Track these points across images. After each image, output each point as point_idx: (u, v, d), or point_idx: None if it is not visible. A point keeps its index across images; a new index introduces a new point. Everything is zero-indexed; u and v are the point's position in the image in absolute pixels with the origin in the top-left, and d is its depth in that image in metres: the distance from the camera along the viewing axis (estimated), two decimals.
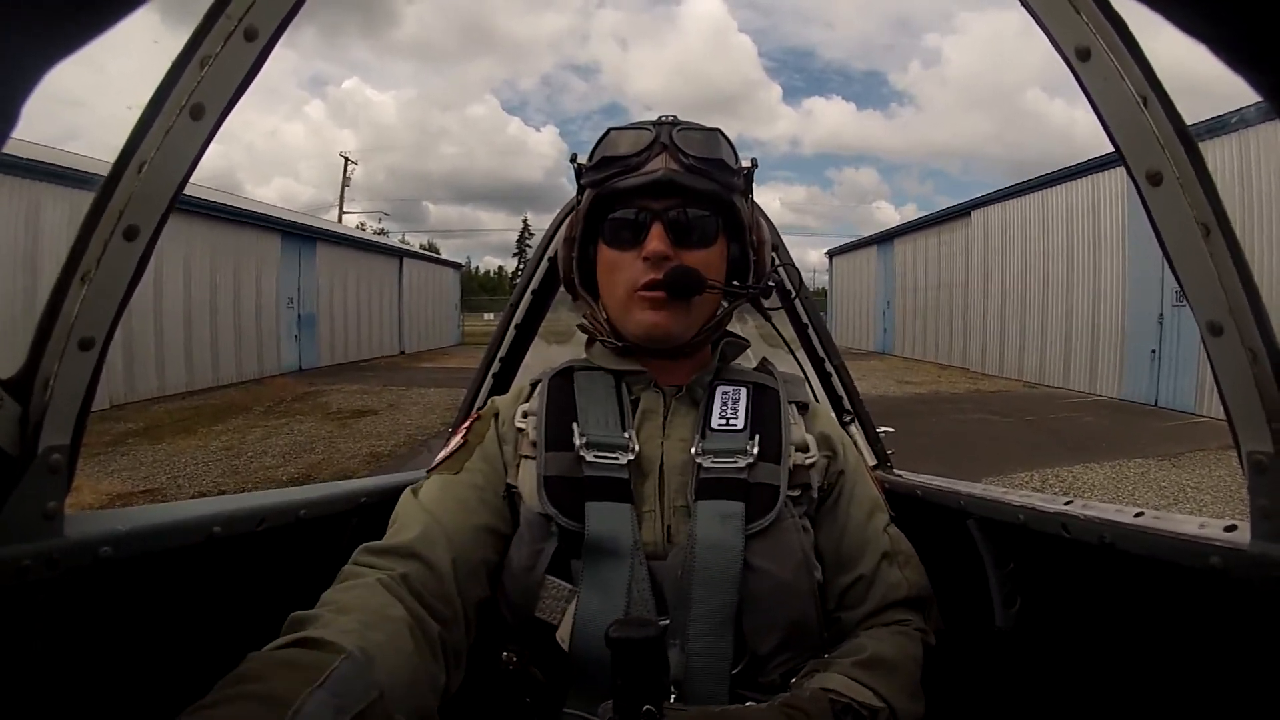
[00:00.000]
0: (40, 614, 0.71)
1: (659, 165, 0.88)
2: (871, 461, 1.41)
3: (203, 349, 12.36)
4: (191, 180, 0.71)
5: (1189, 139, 0.65)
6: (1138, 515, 0.78)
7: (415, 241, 44.50)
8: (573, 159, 0.97)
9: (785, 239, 1.41)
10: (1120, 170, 0.69)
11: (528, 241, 60.22)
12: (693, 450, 0.88)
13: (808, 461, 0.91)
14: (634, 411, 0.92)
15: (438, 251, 39.43)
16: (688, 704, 0.75)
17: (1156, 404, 10.36)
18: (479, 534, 0.84)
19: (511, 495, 0.89)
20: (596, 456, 0.85)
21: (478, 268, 70.48)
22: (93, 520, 0.77)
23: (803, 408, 1.00)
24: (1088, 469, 6.72)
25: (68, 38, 0.23)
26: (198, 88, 0.67)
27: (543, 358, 1.39)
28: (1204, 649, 0.76)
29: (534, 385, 0.99)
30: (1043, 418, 9.77)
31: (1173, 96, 0.65)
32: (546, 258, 1.42)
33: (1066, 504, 0.88)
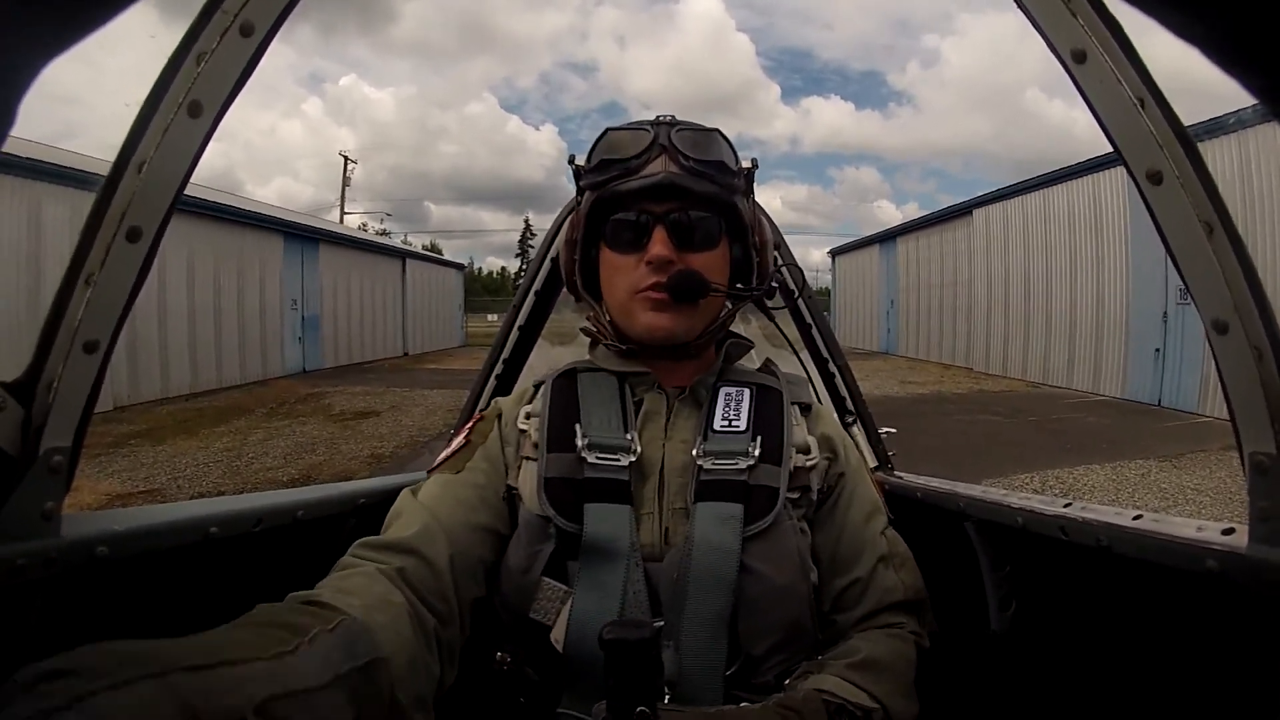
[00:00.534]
0: (36, 613, 0.71)
1: (659, 168, 0.87)
2: (873, 462, 1.41)
3: (206, 351, 12.39)
4: (193, 180, 0.71)
5: (1187, 139, 0.65)
6: (1136, 518, 0.78)
7: (418, 242, 44.74)
8: (571, 160, 0.96)
9: (787, 238, 1.41)
10: (1121, 169, 0.69)
11: (530, 242, 60.30)
12: (694, 452, 0.87)
13: (808, 463, 0.91)
14: (637, 412, 0.92)
15: (440, 252, 39.51)
16: (681, 705, 0.75)
17: (1160, 403, 10.33)
18: (477, 533, 0.84)
19: (511, 496, 0.89)
20: (599, 458, 0.85)
21: (480, 268, 70.58)
22: (90, 520, 0.77)
23: (805, 409, 0.99)
24: (1089, 470, 6.70)
25: (63, 33, 0.23)
26: (195, 84, 0.67)
27: (546, 359, 1.40)
28: (1201, 653, 0.76)
29: (537, 387, 0.99)
30: (1045, 418, 9.75)
31: (1171, 98, 0.65)
32: (549, 258, 1.42)
33: (1065, 507, 0.87)
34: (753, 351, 1.03)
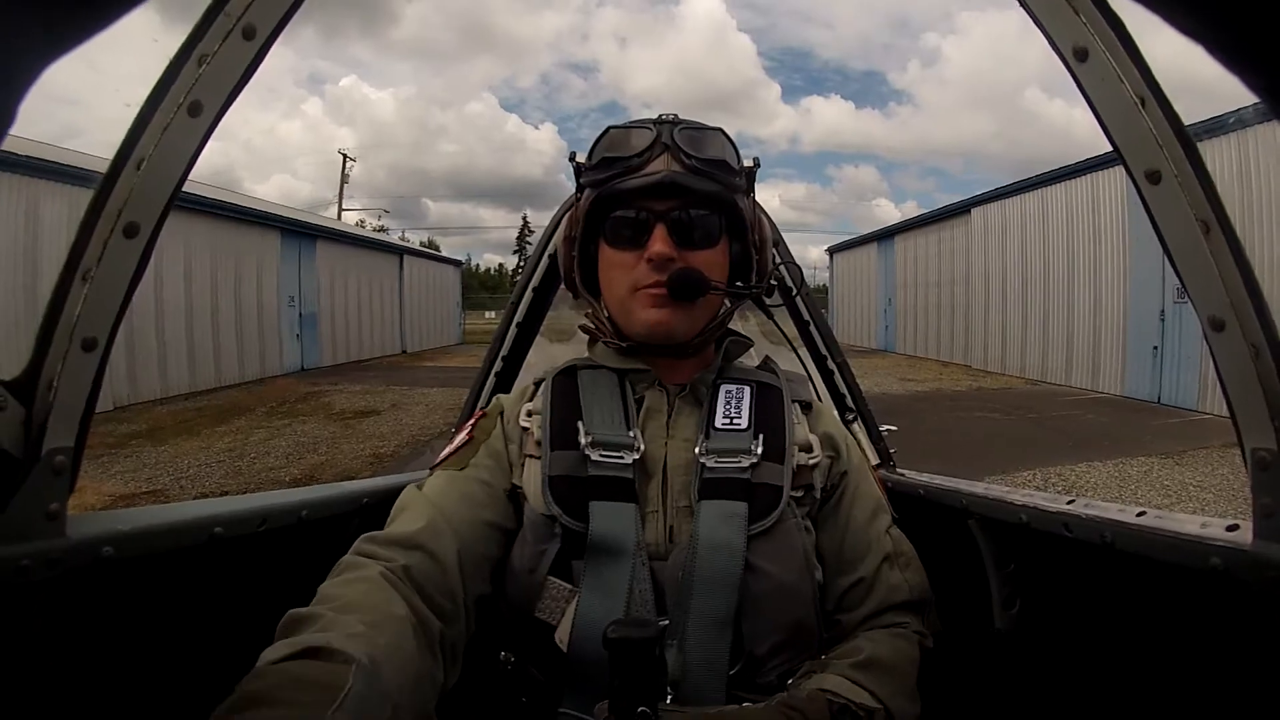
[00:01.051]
0: (42, 614, 0.71)
1: (661, 166, 0.87)
2: (874, 460, 1.41)
3: (205, 349, 12.36)
4: (191, 177, 0.71)
5: (1187, 138, 0.65)
6: (1140, 515, 0.78)
7: (415, 239, 44.54)
8: (571, 157, 0.96)
9: (785, 236, 1.41)
10: (1119, 169, 0.69)
11: (528, 239, 60.16)
12: (696, 450, 0.87)
13: (811, 462, 0.91)
14: (638, 409, 0.92)
15: (438, 249, 39.39)
16: (684, 705, 0.75)
17: (1159, 401, 10.33)
18: (484, 528, 0.84)
19: (516, 494, 0.89)
20: (602, 455, 0.85)
21: (478, 265, 70.42)
22: (95, 521, 0.77)
23: (806, 407, 1.00)
24: (1090, 467, 6.71)
25: (65, 35, 0.23)
26: (195, 85, 0.67)
27: (545, 356, 1.40)
28: (1205, 650, 0.76)
29: (538, 384, 0.99)
30: (1045, 415, 9.75)
31: (1171, 96, 0.65)
32: (547, 255, 1.42)
33: (1069, 503, 0.87)
34: (751, 349, 1.04)
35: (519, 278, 1.55)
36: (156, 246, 0.70)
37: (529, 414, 0.94)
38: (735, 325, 1.03)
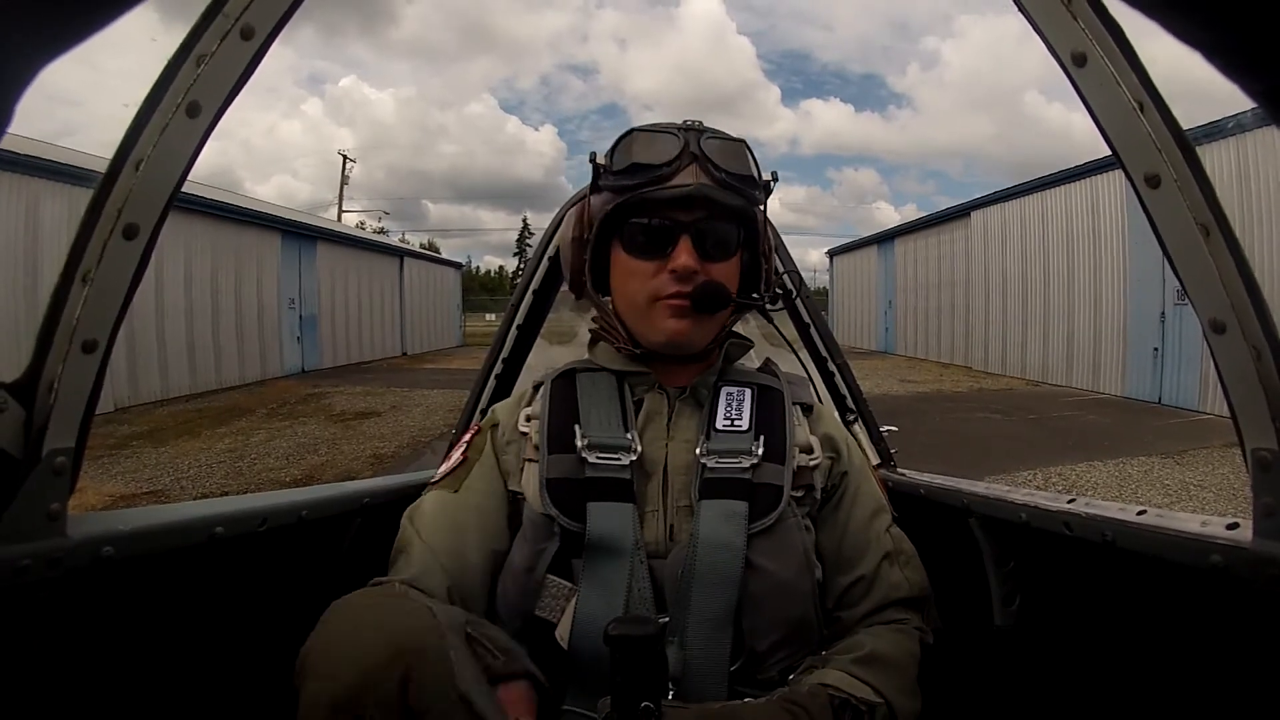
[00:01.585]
0: (43, 614, 0.71)
1: (691, 178, 0.86)
2: (875, 460, 1.41)
3: (205, 351, 12.35)
4: (190, 178, 0.72)
5: (1185, 143, 0.66)
6: (1140, 513, 0.78)
7: (415, 240, 44.58)
8: (592, 158, 0.93)
9: (786, 238, 1.41)
10: (1118, 173, 0.69)
11: (528, 241, 60.17)
12: (698, 450, 0.88)
13: (811, 463, 0.91)
14: (637, 412, 0.93)
15: (438, 251, 39.40)
16: (686, 701, 0.75)
17: (1160, 401, 10.33)
18: (476, 558, 0.87)
19: (515, 499, 0.90)
20: (599, 458, 0.86)
21: (478, 267, 70.34)
22: (95, 521, 0.77)
23: (807, 409, 1.00)
24: (1091, 467, 6.70)
25: (64, 34, 0.23)
26: (194, 86, 0.67)
27: (545, 358, 1.40)
28: (1205, 648, 0.76)
29: (537, 387, 0.99)
30: (1045, 416, 9.75)
31: (1170, 101, 0.66)
32: (547, 257, 1.42)
33: (1069, 502, 0.88)
34: (752, 351, 1.04)
35: (519, 280, 1.55)
36: (156, 248, 0.70)
37: (528, 419, 0.94)
38: (736, 327, 1.03)
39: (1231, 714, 0.74)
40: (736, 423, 0.91)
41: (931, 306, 18.65)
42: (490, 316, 35.49)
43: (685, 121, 0.91)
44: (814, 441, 0.94)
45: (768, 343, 1.25)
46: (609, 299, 0.96)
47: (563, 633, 0.80)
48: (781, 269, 1.11)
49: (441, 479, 0.95)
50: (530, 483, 0.88)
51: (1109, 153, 0.69)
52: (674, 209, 0.87)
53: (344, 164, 32.76)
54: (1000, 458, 7.11)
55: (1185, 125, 0.66)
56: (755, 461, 0.86)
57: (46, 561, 0.70)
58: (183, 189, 0.71)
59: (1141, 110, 0.66)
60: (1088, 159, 12.08)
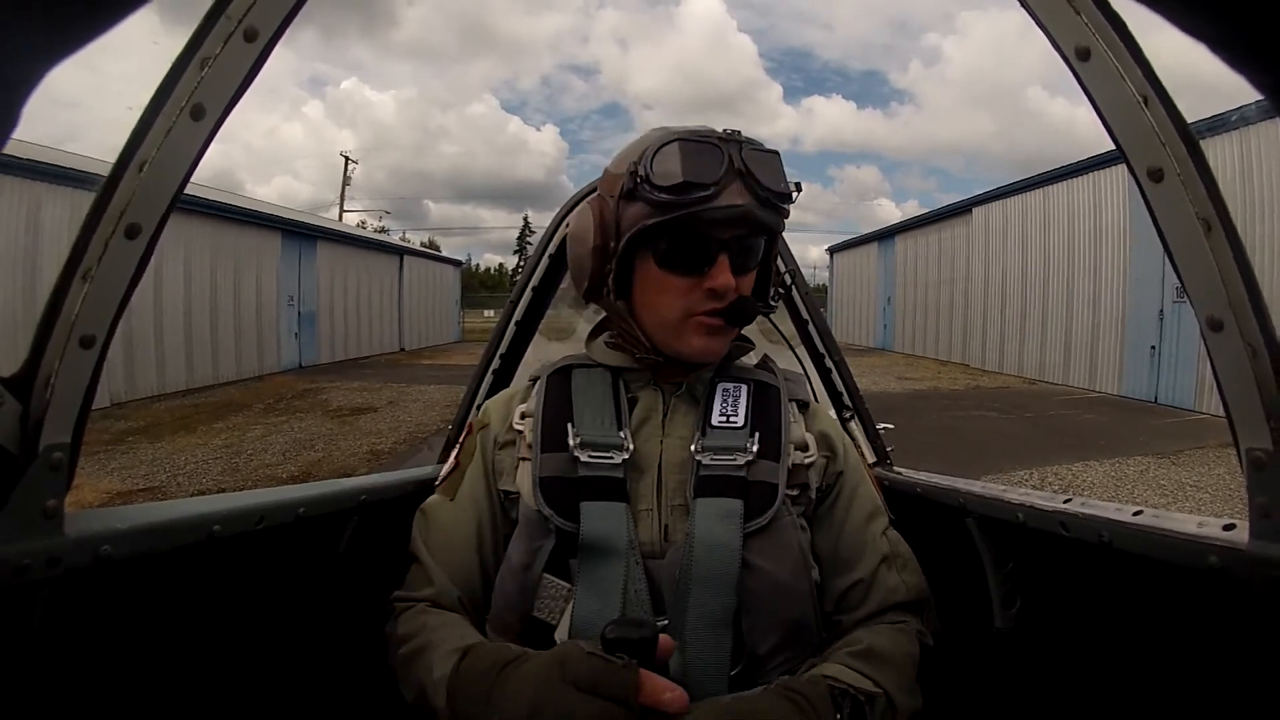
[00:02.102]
0: (40, 611, 0.71)
1: (738, 198, 0.83)
2: (871, 458, 1.41)
3: (203, 347, 12.34)
4: (192, 179, 0.71)
5: (1190, 136, 0.65)
6: (1136, 514, 0.78)
7: (416, 239, 44.56)
8: (632, 168, 0.85)
9: (787, 236, 1.40)
10: (1121, 168, 0.69)
11: (528, 239, 60.11)
12: (692, 447, 0.88)
13: (806, 461, 0.91)
14: (631, 410, 0.92)
15: (439, 249, 39.32)
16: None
17: (1156, 401, 10.36)
18: (477, 565, 0.91)
19: (509, 498, 0.91)
20: (591, 456, 0.85)
21: (478, 265, 70.29)
22: (93, 518, 0.77)
23: (803, 406, 1.00)
24: (1087, 467, 6.72)
25: (67, 39, 0.23)
26: (198, 88, 0.67)
27: (543, 354, 1.39)
28: (1202, 648, 0.76)
29: (533, 382, 0.99)
30: (1042, 414, 9.77)
31: (1174, 94, 0.65)
32: (548, 254, 1.41)
33: (1065, 502, 0.88)
34: (751, 351, 1.04)
35: (519, 277, 1.55)
36: (157, 247, 0.70)
37: (522, 416, 0.94)
38: None
39: (1230, 715, 0.74)
40: (732, 419, 0.90)
41: (930, 304, 18.68)
42: (489, 313, 35.45)
43: (724, 131, 0.87)
44: (809, 439, 0.93)
45: (765, 339, 1.25)
46: (623, 304, 0.92)
47: (561, 635, 0.79)
48: (784, 268, 1.11)
49: (442, 482, 0.98)
50: (524, 482, 0.88)
51: (1112, 147, 0.69)
52: (716, 228, 0.84)
53: (345, 165, 32.78)
54: (997, 456, 7.13)
55: (1189, 119, 0.66)
56: (750, 458, 0.86)
57: (44, 559, 0.69)
58: (186, 190, 0.71)
59: (1145, 104, 0.66)
60: (1090, 154, 12.09)
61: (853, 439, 1.22)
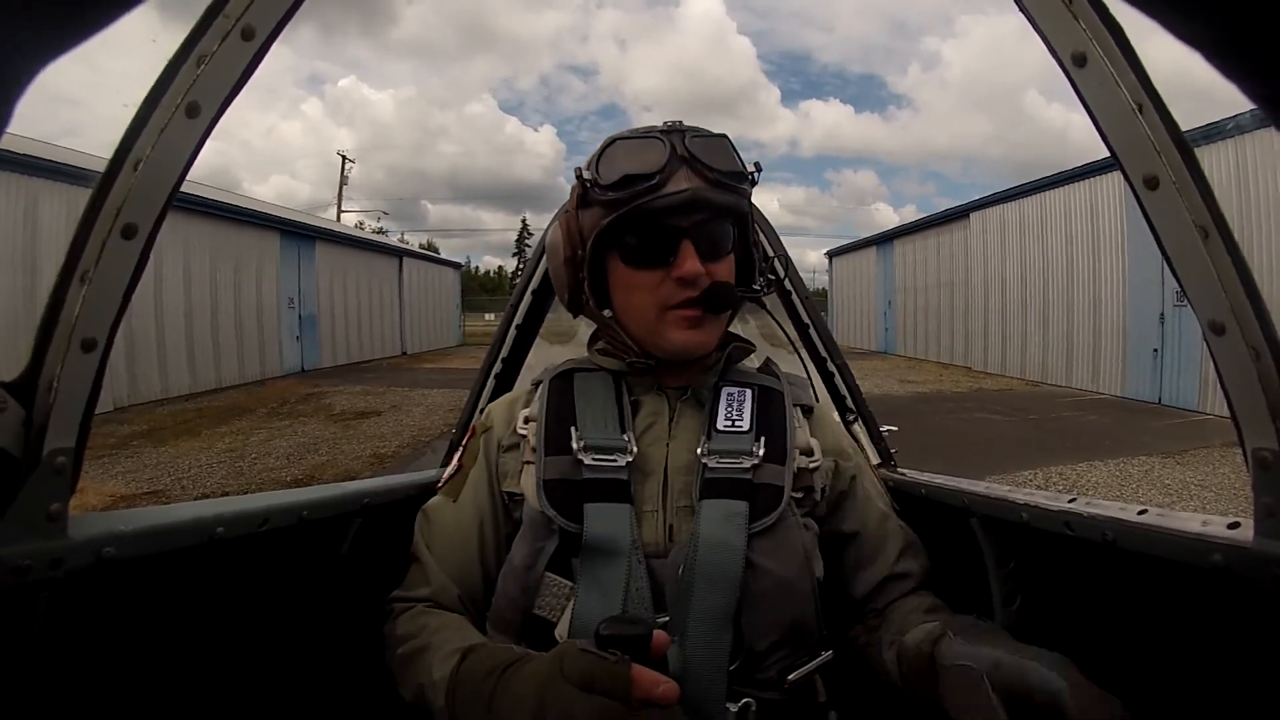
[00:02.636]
0: (44, 614, 0.71)
1: (685, 182, 0.85)
2: (875, 460, 1.41)
3: (205, 350, 12.35)
4: (189, 177, 0.71)
5: (1184, 144, 0.66)
6: (1141, 513, 0.78)
7: (414, 240, 44.61)
8: (578, 173, 0.90)
9: (785, 240, 1.41)
10: (1116, 175, 0.69)
11: (527, 241, 60.18)
12: (699, 450, 0.88)
13: (811, 465, 0.92)
14: (634, 413, 0.93)
15: (437, 251, 39.40)
16: (685, 700, 0.75)
17: (1159, 402, 10.34)
18: (479, 565, 0.92)
19: (513, 500, 0.91)
20: (595, 459, 0.86)
21: (477, 267, 70.36)
22: (96, 521, 0.77)
23: (807, 410, 1.00)
24: (1091, 467, 6.70)
25: (64, 35, 0.23)
26: (194, 86, 0.67)
27: (545, 358, 1.40)
28: (1207, 647, 0.76)
29: (536, 386, 0.99)
30: (1045, 416, 9.75)
31: (1169, 102, 0.65)
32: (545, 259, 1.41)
33: (1070, 502, 0.87)
34: (753, 354, 1.04)
35: (518, 280, 1.55)
36: (155, 247, 0.70)
37: (525, 420, 0.95)
38: (735, 328, 1.03)
39: (1233, 714, 0.74)
40: (737, 423, 0.91)
41: (931, 307, 18.67)
42: (489, 316, 35.50)
43: (665, 123, 0.89)
44: (814, 444, 0.94)
45: (768, 343, 1.25)
46: (609, 312, 0.94)
47: (561, 632, 0.80)
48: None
49: (445, 483, 0.98)
50: (529, 484, 0.89)
51: (1108, 154, 0.69)
52: (671, 216, 0.85)
53: (343, 164, 32.79)
54: (1001, 458, 7.11)
55: (1184, 127, 0.66)
56: (756, 462, 0.86)
57: (47, 562, 0.70)
58: (182, 188, 0.71)
59: (1141, 111, 0.66)
60: (1086, 159, 12.10)
61: (856, 441, 1.23)
